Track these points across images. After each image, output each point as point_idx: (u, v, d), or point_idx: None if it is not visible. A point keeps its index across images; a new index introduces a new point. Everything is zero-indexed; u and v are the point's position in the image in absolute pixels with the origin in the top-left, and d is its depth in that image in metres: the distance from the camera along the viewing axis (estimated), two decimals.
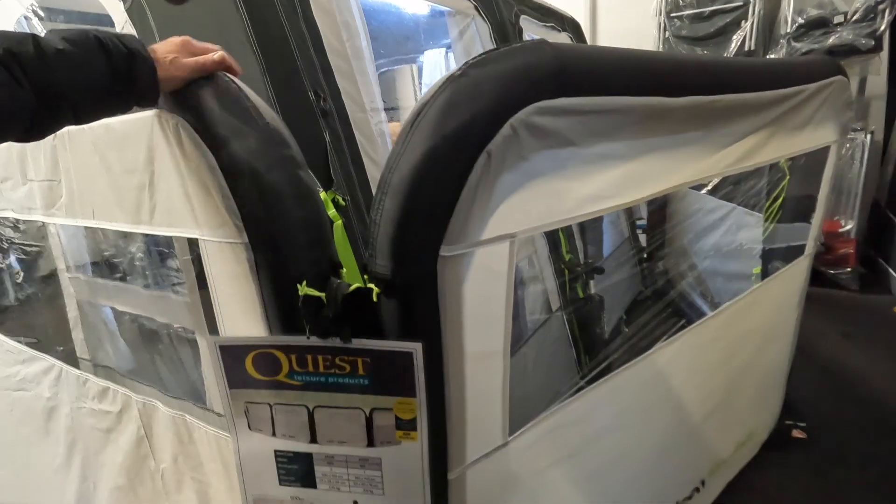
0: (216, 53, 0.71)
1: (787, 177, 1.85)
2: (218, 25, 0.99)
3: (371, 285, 0.64)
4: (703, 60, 0.90)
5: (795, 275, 1.60)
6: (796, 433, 1.93)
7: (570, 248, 2.26)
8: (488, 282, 0.68)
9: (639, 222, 3.42)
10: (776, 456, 1.82)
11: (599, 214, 0.80)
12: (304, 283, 0.66)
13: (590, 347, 2.14)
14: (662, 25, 3.65)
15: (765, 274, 1.89)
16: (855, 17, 2.94)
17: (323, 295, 0.66)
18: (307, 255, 0.68)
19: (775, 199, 1.87)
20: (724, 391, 1.43)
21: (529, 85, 0.60)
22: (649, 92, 0.76)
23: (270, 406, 0.73)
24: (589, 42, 4.28)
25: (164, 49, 0.69)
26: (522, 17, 2.34)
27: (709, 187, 2.88)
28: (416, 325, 0.65)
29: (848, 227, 3.21)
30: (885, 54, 3.05)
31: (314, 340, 0.67)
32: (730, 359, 1.40)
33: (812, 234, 1.58)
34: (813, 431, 1.95)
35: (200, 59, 0.69)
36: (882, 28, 2.93)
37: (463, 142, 0.58)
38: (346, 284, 0.66)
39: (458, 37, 1.88)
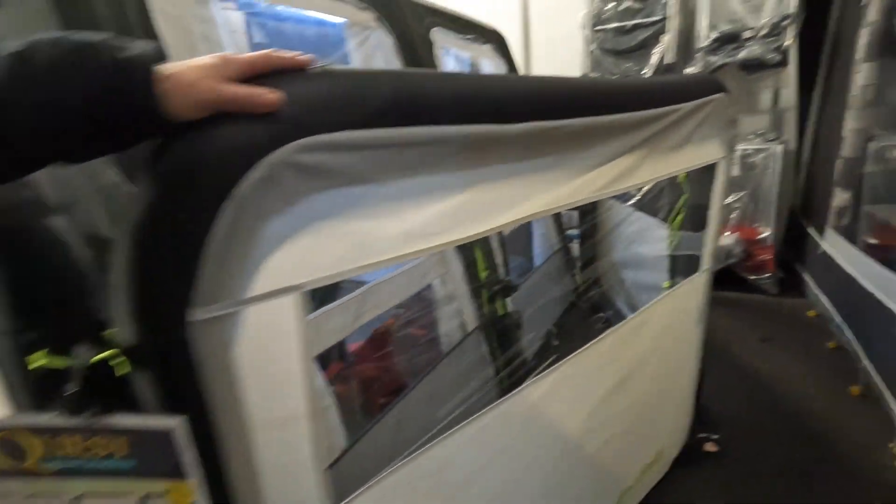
0: (268, 94, 0.50)
1: (686, 194, 1.86)
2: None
3: (114, 354, 0.53)
4: (552, 83, 0.84)
5: (693, 291, 1.60)
6: (708, 446, 1.93)
7: (487, 265, 2.20)
8: (272, 341, 0.59)
9: (571, 233, 3.43)
10: (687, 473, 1.81)
11: (430, 252, 0.73)
12: (47, 350, 0.55)
13: (507, 366, 2.09)
14: (588, 38, 3.70)
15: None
16: (762, 33, 3.06)
17: (67, 364, 0.55)
18: (54, 317, 0.57)
19: (677, 215, 1.88)
20: (622, 415, 1.39)
21: (289, 119, 0.52)
22: (469, 120, 0.69)
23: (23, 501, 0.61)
24: (521, 54, 4.32)
25: (186, 69, 0.48)
26: (436, 29, 2.28)
27: (634, 200, 2.92)
28: (176, 398, 0.55)
29: (766, 234, 3.32)
30: (792, 68, 3.18)
31: (63, 420, 0.56)
32: (626, 381, 1.36)
33: (707, 250, 1.57)
34: (726, 443, 1.96)
35: (241, 92, 0.49)
36: (787, 44, 3.06)
37: (199, 187, 0.48)
38: (92, 352, 0.55)
39: (356, 49, 1.80)
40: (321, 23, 1.89)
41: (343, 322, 1.42)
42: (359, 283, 1.65)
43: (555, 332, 2.92)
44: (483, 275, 2.16)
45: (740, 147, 3.32)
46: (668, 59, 3.39)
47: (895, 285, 1.90)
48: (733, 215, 3.38)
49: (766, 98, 3.54)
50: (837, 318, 2.57)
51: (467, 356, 2.02)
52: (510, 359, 2.11)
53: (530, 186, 0.85)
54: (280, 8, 1.84)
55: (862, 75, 2.46)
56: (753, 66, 3.21)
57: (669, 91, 1.17)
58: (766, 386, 2.39)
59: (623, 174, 1.07)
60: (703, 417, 1.98)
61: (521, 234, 3.24)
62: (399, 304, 1.91)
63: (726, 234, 3.39)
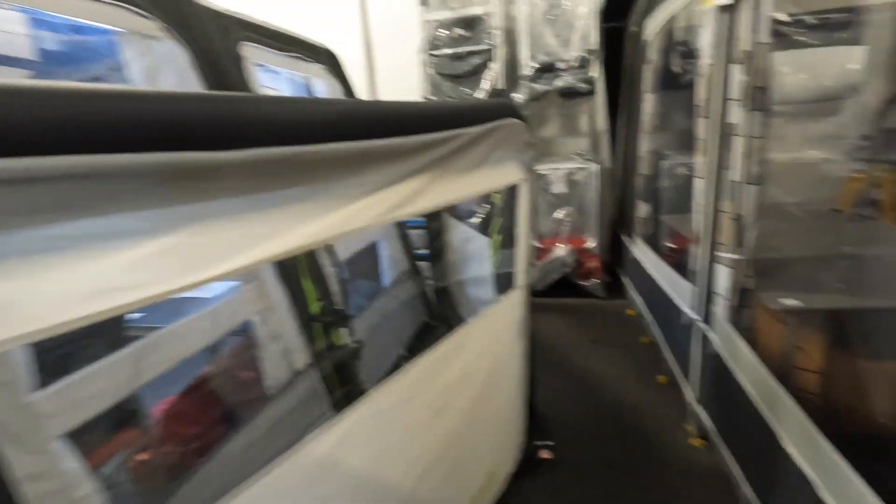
0: None
1: (500, 217, 1.95)
2: None
3: None
4: (296, 104, 0.76)
5: (510, 307, 1.64)
6: (543, 454, 2.00)
7: (320, 296, 2.07)
8: None
9: (420, 252, 3.44)
10: (523, 484, 1.85)
11: (129, 310, 0.59)
12: None
13: (346, 400, 1.97)
14: (426, 62, 3.80)
15: None
16: (573, 65, 3.42)
17: None
18: None
19: (497, 234, 1.95)
20: (442, 444, 1.35)
21: None
22: (167, 146, 0.57)
23: None
24: (366, 79, 4.29)
25: None
26: (247, 43, 2.11)
27: (473, 219, 3.01)
28: None
29: (592, 244, 3.68)
30: (600, 96, 3.60)
31: None
32: (444, 409, 1.33)
33: (519, 267, 1.63)
34: (560, 448, 2.05)
35: None
36: (593, 75, 3.46)
37: None
38: None
39: (135, 61, 1.57)
40: (80, 29, 1.62)
41: (111, 385, 1.17)
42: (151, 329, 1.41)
43: (406, 356, 2.87)
44: (315, 306, 2.02)
45: (566, 166, 3.64)
46: (500, 85, 3.62)
47: (681, 287, 2.18)
48: (564, 228, 3.70)
49: (584, 122, 3.97)
50: (648, 316, 2.90)
51: (298, 396, 1.85)
52: (348, 393, 1.98)
53: (282, 219, 0.76)
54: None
55: (648, 104, 2.85)
56: (569, 94, 3.57)
57: (454, 115, 1.18)
58: (594, 386, 2.59)
59: (409, 198, 1.03)
60: (539, 426, 2.06)
61: (366, 257, 3.15)
62: (209, 348, 1.69)
63: (560, 245, 3.69)
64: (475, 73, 3.62)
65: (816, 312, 1.60)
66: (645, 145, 3.07)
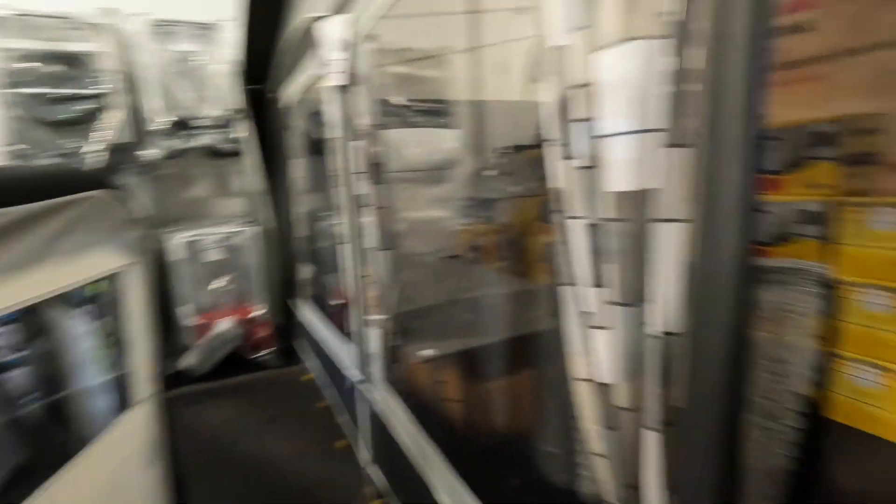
0: None
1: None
2: None
3: None
4: None
5: (129, 431, 1.25)
6: None
7: None
8: None
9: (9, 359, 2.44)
10: None
11: None
12: None
13: None
14: (7, 102, 2.84)
15: None
16: (214, 124, 3.18)
17: None
18: None
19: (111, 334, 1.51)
20: None
21: None
22: None
23: None
24: None
25: None
26: None
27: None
28: None
29: (261, 312, 3.43)
30: (253, 157, 3.47)
31: None
32: None
33: (140, 375, 1.27)
34: None
35: None
36: (240, 135, 3.30)
37: None
38: None
39: None
40: None
41: None
42: None
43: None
44: None
45: (222, 230, 3.31)
46: (123, 139, 3.02)
47: (344, 348, 2.20)
48: (227, 298, 3.33)
49: (237, 182, 3.74)
50: (323, 379, 2.85)
51: None
52: None
53: None
54: None
55: (298, 168, 2.88)
56: (216, 153, 3.29)
57: None
58: (271, 473, 2.32)
59: None
60: None
61: None
62: None
63: (224, 318, 3.29)
64: (85, 122, 2.92)
65: (450, 355, 1.84)
66: (301, 206, 3.09)
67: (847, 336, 1.94)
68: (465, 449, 1.58)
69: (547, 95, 0.69)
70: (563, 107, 0.67)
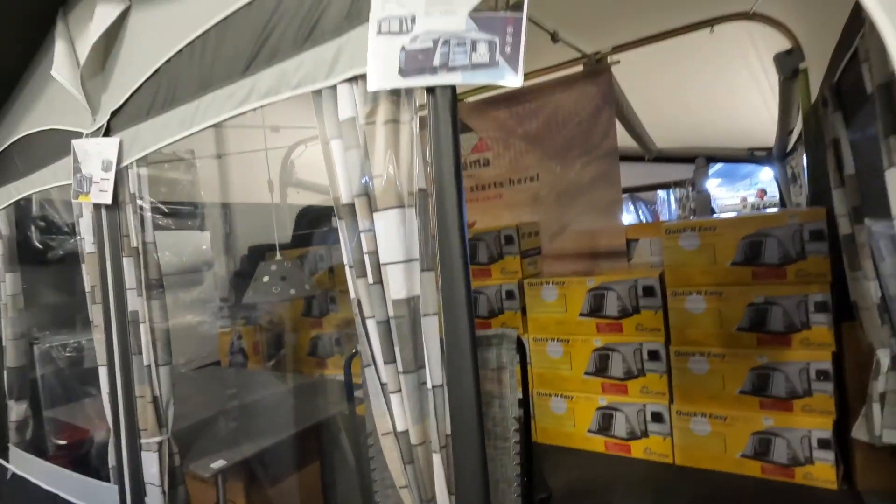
0: None
1: None
2: None
3: None
4: None
5: None
6: None
7: None
8: None
9: None
10: None
11: None
12: None
13: None
14: None
15: None
16: None
17: None
18: None
19: None
20: None
21: None
22: None
23: None
24: None
25: None
26: None
27: None
28: None
29: None
30: None
31: None
32: None
33: None
34: None
35: None
36: None
37: None
38: None
39: None
40: None
41: None
42: None
43: None
44: None
45: None
46: None
47: (97, 490, 1.89)
48: None
49: None
50: None
51: None
52: None
53: None
54: None
55: (8, 285, 2.40)
56: None
57: None
58: None
59: None
60: None
61: None
62: None
63: None
64: None
65: (238, 465, 1.82)
66: (16, 328, 2.51)
67: (541, 377, 2.74)
68: None
69: (347, 237, 1.01)
70: (359, 243, 1.00)
